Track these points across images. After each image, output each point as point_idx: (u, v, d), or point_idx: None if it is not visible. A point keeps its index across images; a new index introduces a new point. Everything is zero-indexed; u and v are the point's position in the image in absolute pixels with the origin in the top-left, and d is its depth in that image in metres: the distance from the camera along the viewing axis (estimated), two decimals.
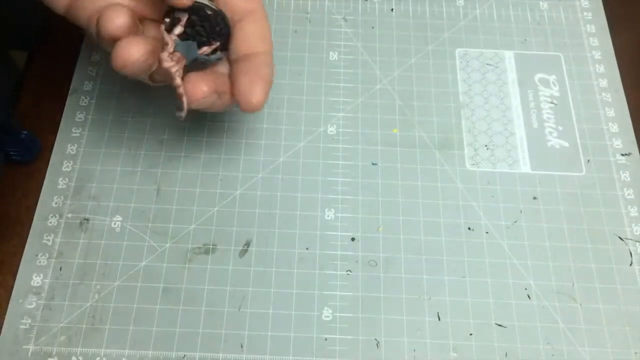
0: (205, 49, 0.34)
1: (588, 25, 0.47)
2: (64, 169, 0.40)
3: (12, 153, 0.40)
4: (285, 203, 0.39)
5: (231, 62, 0.36)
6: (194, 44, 0.34)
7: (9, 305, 0.36)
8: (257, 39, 0.35)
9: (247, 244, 0.38)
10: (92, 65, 0.44)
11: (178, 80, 0.33)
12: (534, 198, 0.40)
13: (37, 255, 0.37)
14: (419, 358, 0.35)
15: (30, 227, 0.38)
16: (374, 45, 0.46)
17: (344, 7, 0.48)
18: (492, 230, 0.39)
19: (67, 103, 0.43)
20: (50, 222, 0.38)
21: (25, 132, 0.40)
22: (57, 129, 0.42)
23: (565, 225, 0.39)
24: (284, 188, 0.40)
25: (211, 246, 0.38)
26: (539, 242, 0.39)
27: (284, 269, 0.37)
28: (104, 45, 0.33)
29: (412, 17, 0.47)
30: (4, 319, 0.36)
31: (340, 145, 0.42)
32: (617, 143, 0.42)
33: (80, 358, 0.35)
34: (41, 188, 0.39)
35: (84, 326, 0.35)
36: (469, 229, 0.39)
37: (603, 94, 0.44)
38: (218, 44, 0.35)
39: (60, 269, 0.37)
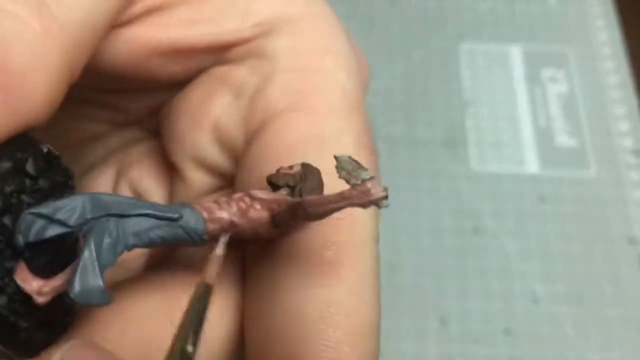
0: None
1: (597, 20, 0.47)
2: None
3: None
4: None
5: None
6: None
7: None
8: None
9: None
10: None
11: None
12: (541, 198, 0.39)
13: None
14: None
15: None
16: (374, 43, 0.45)
17: (344, 3, 0.47)
18: (498, 232, 0.38)
19: None
20: None
21: None
22: None
23: (573, 227, 0.39)
24: None
25: None
26: (546, 245, 0.38)
27: None
28: None
29: (414, 12, 0.47)
30: None
31: None
32: (627, 142, 0.42)
33: None
34: None
35: None
36: (474, 230, 0.38)
37: (612, 91, 0.44)
38: None
39: None
